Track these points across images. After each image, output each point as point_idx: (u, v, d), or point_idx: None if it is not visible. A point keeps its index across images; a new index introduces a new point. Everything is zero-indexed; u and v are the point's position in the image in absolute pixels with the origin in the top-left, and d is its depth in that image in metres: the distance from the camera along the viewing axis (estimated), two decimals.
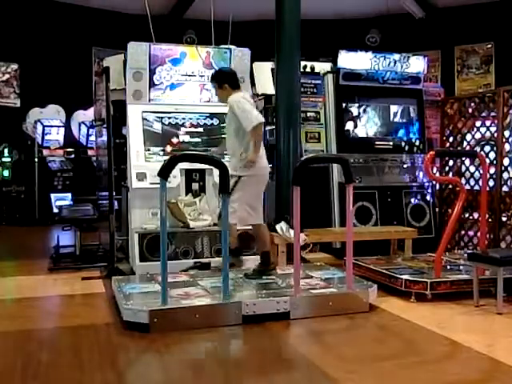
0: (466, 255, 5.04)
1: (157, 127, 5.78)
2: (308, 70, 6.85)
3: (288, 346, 3.72)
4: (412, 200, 6.86)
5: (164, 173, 3.96)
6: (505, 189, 5.90)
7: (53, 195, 10.04)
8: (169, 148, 5.75)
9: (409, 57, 7.07)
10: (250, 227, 5.07)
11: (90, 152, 10.38)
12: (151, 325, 3.78)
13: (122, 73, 5.93)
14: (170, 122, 5.85)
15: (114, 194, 5.87)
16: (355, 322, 4.12)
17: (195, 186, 5.73)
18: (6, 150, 10.17)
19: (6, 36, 10.33)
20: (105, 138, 6.19)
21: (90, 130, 10.21)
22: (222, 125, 5.96)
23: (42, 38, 10.55)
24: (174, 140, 5.81)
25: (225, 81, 4.87)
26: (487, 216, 5.55)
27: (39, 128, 10.17)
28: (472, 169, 6.33)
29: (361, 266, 5.24)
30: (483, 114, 6.32)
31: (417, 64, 7.09)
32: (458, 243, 6.51)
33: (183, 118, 5.91)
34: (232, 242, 4.72)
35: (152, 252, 5.23)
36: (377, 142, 6.89)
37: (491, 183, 5.88)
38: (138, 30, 7.00)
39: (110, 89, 5.82)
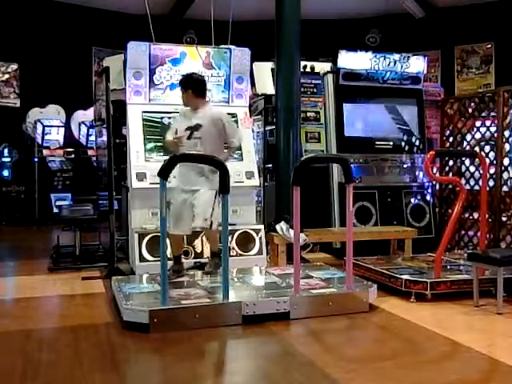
0: (465, 255, 5.04)
1: (157, 127, 5.78)
2: (308, 70, 6.85)
3: (288, 346, 3.72)
4: (412, 200, 6.87)
5: (164, 173, 3.96)
6: (505, 189, 5.91)
7: (53, 195, 10.03)
8: None
9: (409, 57, 7.07)
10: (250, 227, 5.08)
11: (89, 152, 10.37)
12: (151, 325, 3.78)
13: (122, 73, 5.93)
14: (170, 122, 5.85)
15: (114, 194, 5.88)
16: (355, 321, 4.12)
17: None
18: (5, 150, 10.17)
19: (6, 36, 10.32)
20: (105, 138, 6.18)
21: (90, 130, 10.20)
22: None
23: (42, 38, 10.54)
24: None
25: (189, 87, 4.96)
26: (487, 216, 5.55)
27: (39, 128, 10.17)
28: (472, 169, 6.33)
29: (361, 265, 5.23)
30: (483, 114, 6.33)
31: (417, 64, 7.09)
32: (458, 243, 6.51)
33: None
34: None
35: (152, 252, 5.23)
36: (377, 142, 6.89)
37: (491, 183, 5.88)
38: (138, 30, 6.99)
39: (110, 89, 5.82)
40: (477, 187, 6.14)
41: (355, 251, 4.48)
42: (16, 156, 10.24)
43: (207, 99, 5.13)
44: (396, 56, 6.98)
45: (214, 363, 3.47)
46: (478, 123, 6.39)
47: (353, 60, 6.79)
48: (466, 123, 6.56)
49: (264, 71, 6.96)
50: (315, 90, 6.83)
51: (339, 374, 3.12)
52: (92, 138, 9.89)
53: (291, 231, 5.01)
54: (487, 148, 6.15)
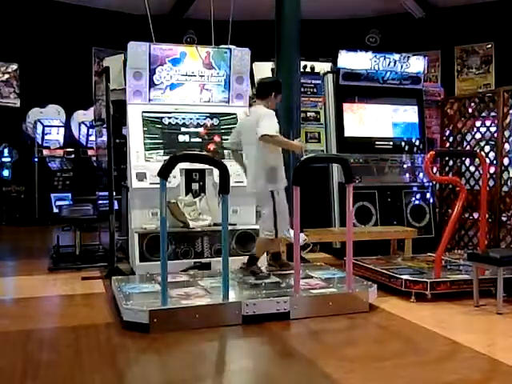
0: (465, 255, 5.04)
1: (157, 127, 5.78)
2: (308, 69, 6.85)
3: (288, 346, 3.72)
4: (412, 200, 6.86)
5: (164, 173, 3.96)
6: (505, 189, 5.91)
7: (53, 195, 10.04)
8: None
9: (409, 57, 7.07)
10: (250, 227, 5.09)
11: (89, 152, 10.38)
12: (151, 325, 3.78)
13: (122, 73, 5.93)
14: (170, 122, 5.85)
15: (114, 194, 5.88)
16: (355, 321, 4.12)
17: (195, 186, 5.72)
18: (5, 150, 10.17)
19: (6, 36, 10.32)
20: (105, 138, 6.19)
21: (90, 130, 10.20)
22: (221, 125, 5.96)
23: (42, 37, 10.55)
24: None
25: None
26: (487, 216, 5.55)
27: (39, 128, 10.17)
28: (472, 169, 6.33)
29: (361, 266, 5.24)
30: (483, 114, 6.33)
31: (417, 64, 7.09)
32: (458, 243, 6.51)
33: (183, 118, 5.91)
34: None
35: (152, 252, 5.23)
36: (377, 142, 6.89)
37: (491, 183, 5.88)
38: (138, 29, 6.99)
39: (110, 89, 5.82)
40: (477, 187, 6.14)
41: (355, 251, 4.48)
42: (16, 156, 10.23)
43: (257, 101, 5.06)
44: (396, 56, 6.98)
45: (214, 363, 3.48)
46: (478, 123, 6.39)
47: (353, 60, 6.79)
48: (466, 123, 6.56)
49: (264, 71, 6.95)
50: (315, 90, 6.83)
51: (339, 373, 3.12)
52: (92, 138, 9.88)
53: (291, 231, 5.01)
54: (487, 148, 6.15)
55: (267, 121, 4.66)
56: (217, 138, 5.92)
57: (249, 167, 4.89)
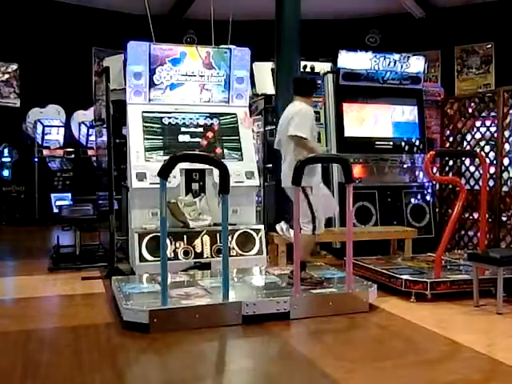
0: (465, 255, 5.04)
1: (157, 127, 5.78)
2: (308, 69, 6.85)
3: (288, 346, 3.72)
4: (412, 200, 6.86)
5: (164, 173, 3.96)
6: (505, 189, 5.91)
7: (53, 195, 10.05)
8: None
9: (409, 57, 7.06)
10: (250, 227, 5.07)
11: (89, 152, 10.39)
12: (151, 325, 3.79)
13: (122, 73, 5.93)
14: (169, 122, 5.86)
15: (114, 194, 5.88)
16: (355, 321, 4.12)
17: (195, 186, 5.73)
18: (5, 150, 10.17)
19: (6, 36, 10.33)
20: (105, 138, 6.19)
21: (90, 130, 10.21)
22: (222, 126, 5.96)
23: (42, 38, 10.56)
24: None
25: None
26: (487, 216, 5.54)
27: (39, 128, 10.18)
28: (472, 169, 6.33)
29: (361, 266, 5.24)
30: (483, 114, 6.33)
31: (417, 64, 7.09)
32: (458, 243, 6.51)
33: (183, 118, 5.91)
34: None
35: (152, 252, 5.23)
36: (377, 142, 6.88)
37: (491, 183, 5.88)
38: (138, 30, 6.99)
39: (110, 89, 5.82)
40: (477, 187, 6.14)
41: (355, 251, 4.47)
42: (16, 156, 10.24)
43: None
44: (396, 56, 6.98)
45: (214, 363, 3.48)
46: (478, 123, 6.40)
47: (353, 60, 6.79)
48: (466, 123, 6.56)
49: (264, 71, 6.96)
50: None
51: (339, 373, 3.12)
52: (92, 138, 9.89)
53: (291, 231, 5.00)
54: (487, 148, 6.15)
55: (300, 120, 4.63)
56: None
57: (282, 162, 4.83)
